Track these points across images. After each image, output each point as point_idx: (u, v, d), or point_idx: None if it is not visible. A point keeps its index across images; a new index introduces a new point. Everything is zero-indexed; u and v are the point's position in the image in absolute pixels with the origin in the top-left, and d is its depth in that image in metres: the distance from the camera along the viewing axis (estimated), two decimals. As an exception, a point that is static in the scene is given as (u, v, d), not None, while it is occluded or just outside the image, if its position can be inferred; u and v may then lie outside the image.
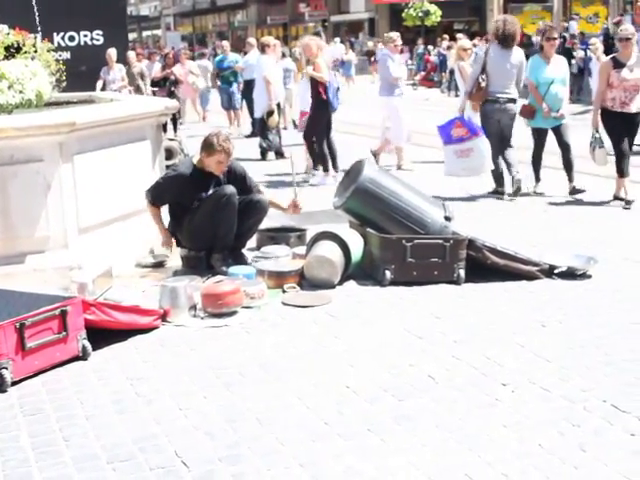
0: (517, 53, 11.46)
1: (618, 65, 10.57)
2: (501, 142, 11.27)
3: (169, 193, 7.79)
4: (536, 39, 26.68)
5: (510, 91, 11.30)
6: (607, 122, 10.76)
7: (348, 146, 15.27)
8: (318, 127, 13.08)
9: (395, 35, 14.68)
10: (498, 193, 11.37)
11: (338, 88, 13.55)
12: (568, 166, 11.35)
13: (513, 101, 11.36)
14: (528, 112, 11.44)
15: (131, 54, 19.81)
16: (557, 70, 11.43)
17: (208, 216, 7.58)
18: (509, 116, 11.31)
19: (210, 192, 7.70)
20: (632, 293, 7.05)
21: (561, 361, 5.55)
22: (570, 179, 11.32)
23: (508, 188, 11.28)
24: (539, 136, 11.63)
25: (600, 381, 5.22)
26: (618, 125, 10.61)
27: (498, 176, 11.40)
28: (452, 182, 12.23)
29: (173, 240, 7.98)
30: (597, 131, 10.88)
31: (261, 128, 15.89)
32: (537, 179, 11.64)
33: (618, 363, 5.51)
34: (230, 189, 7.63)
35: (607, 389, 5.09)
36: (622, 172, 10.66)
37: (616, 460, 4.23)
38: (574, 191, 11.18)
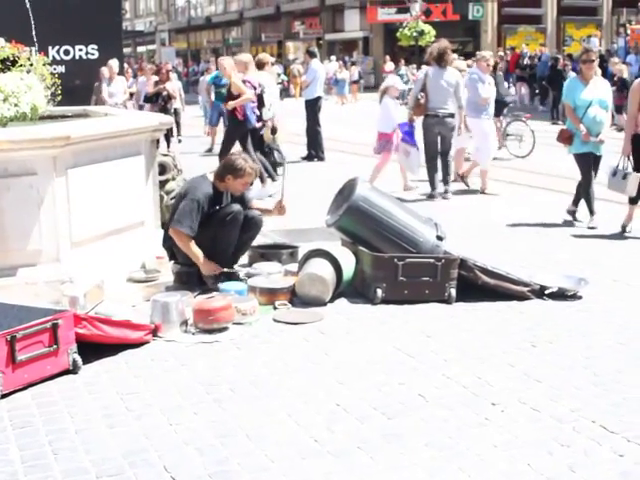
0: (452, 73, 12.93)
1: None
2: (439, 151, 12.83)
3: (200, 216, 7.57)
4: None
5: (448, 107, 12.76)
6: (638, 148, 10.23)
7: (340, 164, 15.32)
8: (231, 144, 13.25)
9: (488, 54, 14.81)
10: (431, 196, 12.74)
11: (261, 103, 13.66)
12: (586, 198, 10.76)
13: (451, 115, 12.81)
14: (565, 137, 10.86)
15: (104, 70, 18.81)
16: (596, 92, 10.79)
17: (210, 231, 7.56)
18: (448, 129, 12.79)
19: (217, 208, 7.72)
20: (621, 314, 7.07)
21: (551, 381, 5.57)
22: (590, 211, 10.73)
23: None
24: (583, 162, 10.79)
25: (589, 402, 5.23)
26: None
27: (432, 180, 12.84)
28: (445, 202, 12.30)
29: (163, 254, 7.99)
30: (629, 158, 10.26)
31: (260, 145, 15.78)
32: (591, 212, 10.70)
33: (607, 384, 5.53)
34: (237, 207, 7.68)
35: (596, 409, 5.10)
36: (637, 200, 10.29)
37: (605, 481, 4.25)
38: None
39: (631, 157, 10.29)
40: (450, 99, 12.75)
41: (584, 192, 10.81)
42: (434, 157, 12.83)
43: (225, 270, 7.69)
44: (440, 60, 12.77)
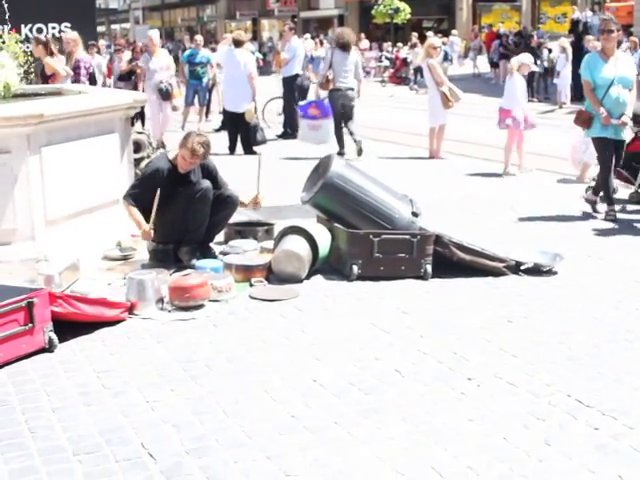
0: (353, 55, 15.21)
1: None
2: (343, 117, 14.88)
3: (149, 192, 7.56)
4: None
5: (348, 82, 14.93)
6: None
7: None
8: None
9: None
10: (340, 154, 13.58)
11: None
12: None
13: (352, 89, 14.97)
14: (584, 119, 9.92)
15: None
16: (618, 69, 9.76)
17: (181, 209, 7.55)
18: (349, 99, 14.89)
19: (184, 186, 7.68)
20: (596, 289, 7.12)
21: (526, 356, 5.60)
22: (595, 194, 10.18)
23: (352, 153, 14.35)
24: (603, 147, 9.85)
25: (564, 376, 5.27)
26: None
27: (340, 140, 14.84)
28: (419, 178, 12.33)
29: (138, 232, 7.96)
30: None
31: (243, 122, 15.70)
32: (609, 202, 9.86)
33: (582, 358, 5.57)
34: (206, 183, 7.64)
35: (571, 384, 5.14)
36: None
37: (580, 453, 4.28)
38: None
39: None
40: (350, 75, 14.97)
41: (602, 180, 9.96)
42: (340, 122, 15.00)
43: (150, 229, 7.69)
44: (345, 47, 14.98)
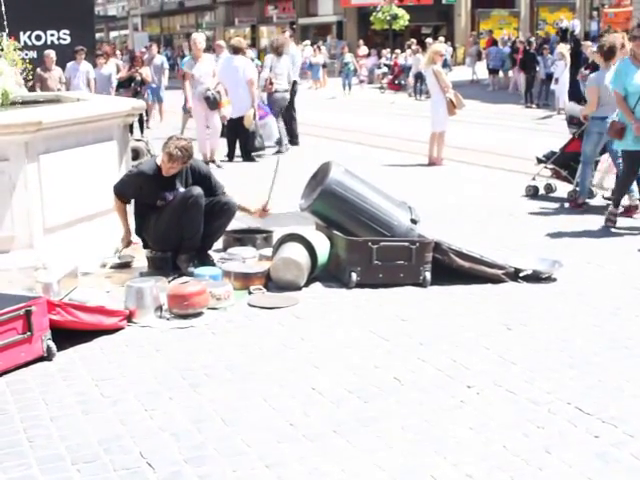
0: (285, 58, 16.95)
1: None
2: (285, 116, 16.96)
3: (132, 189, 7.76)
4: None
5: (282, 84, 16.74)
6: None
7: (314, 148, 15.31)
8: None
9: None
10: (280, 152, 15.66)
11: None
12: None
13: (286, 90, 16.90)
14: (616, 130, 9.58)
15: (51, 52, 17.53)
16: None
17: (174, 217, 7.55)
18: (286, 100, 16.93)
19: (176, 192, 7.67)
20: (595, 296, 7.11)
21: (526, 364, 5.59)
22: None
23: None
24: (632, 160, 9.67)
25: (564, 383, 5.26)
26: None
27: (281, 138, 16.46)
28: (417, 185, 12.33)
29: (137, 240, 7.96)
30: None
31: (242, 128, 15.69)
32: (616, 204, 9.77)
33: (582, 366, 5.55)
34: (197, 190, 7.61)
35: (571, 391, 5.13)
36: None
37: (580, 462, 4.26)
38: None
39: None
40: (284, 78, 16.84)
41: (622, 186, 9.87)
42: (283, 119, 16.99)
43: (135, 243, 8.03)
44: (279, 52, 16.80)
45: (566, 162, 11.48)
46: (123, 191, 7.82)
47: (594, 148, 10.74)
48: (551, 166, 11.72)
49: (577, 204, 10.81)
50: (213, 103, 14.94)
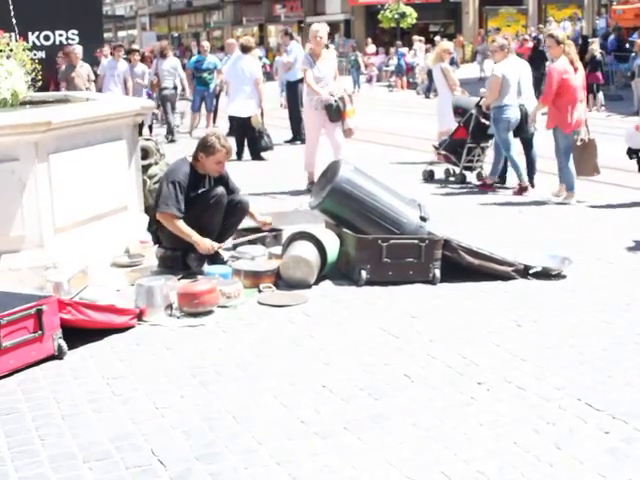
0: (169, 61, 19.41)
1: None
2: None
3: (183, 196, 7.54)
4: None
5: (169, 83, 19.33)
6: None
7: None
8: None
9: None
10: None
11: None
12: None
13: (175, 87, 19.61)
14: None
15: (77, 48, 16.91)
16: None
17: (194, 215, 7.53)
18: (174, 96, 19.77)
19: (199, 192, 7.69)
20: (605, 293, 7.11)
21: (536, 360, 5.59)
22: None
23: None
24: None
25: (574, 379, 5.26)
26: None
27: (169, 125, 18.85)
28: (426, 182, 12.34)
29: (147, 239, 7.98)
30: None
31: (251, 129, 15.71)
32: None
33: (592, 362, 5.55)
34: (220, 190, 7.64)
35: (581, 387, 5.13)
36: None
37: (591, 458, 4.27)
38: None
39: None
40: (171, 78, 19.40)
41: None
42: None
43: (222, 246, 7.79)
44: (163, 55, 19.32)
45: (454, 148, 12.73)
46: (180, 206, 7.52)
47: (507, 132, 11.77)
48: (443, 152, 12.88)
49: (487, 184, 12.09)
50: (336, 113, 11.62)
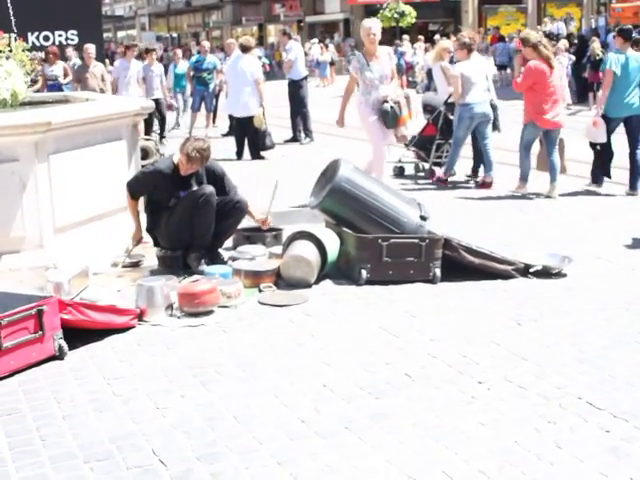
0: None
1: None
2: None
3: (145, 187, 7.87)
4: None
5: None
6: None
7: (324, 146, 15.30)
8: None
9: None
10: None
11: None
12: None
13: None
14: None
15: (90, 47, 16.49)
16: None
17: (186, 215, 7.57)
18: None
19: (190, 191, 7.70)
20: (605, 292, 7.10)
21: (536, 359, 5.59)
22: None
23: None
24: None
25: (575, 378, 5.26)
26: None
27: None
28: (426, 181, 12.34)
29: (148, 239, 7.99)
30: None
31: (251, 128, 15.67)
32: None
33: (592, 360, 5.55)
34: (209, 189, 7.63)
35: (582, 386, 5.13)
36: None
37: (591, 456, 4.27)
38: None
39: None
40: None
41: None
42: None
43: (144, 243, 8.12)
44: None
45: (423, 144, 13.19)
46: (136, 188, 7.89)
47: (466, 132, 12.26)
48: (413, 148, 13.29)
49: (442, 180, 12.48)
50: (392, 119, 10.39)
